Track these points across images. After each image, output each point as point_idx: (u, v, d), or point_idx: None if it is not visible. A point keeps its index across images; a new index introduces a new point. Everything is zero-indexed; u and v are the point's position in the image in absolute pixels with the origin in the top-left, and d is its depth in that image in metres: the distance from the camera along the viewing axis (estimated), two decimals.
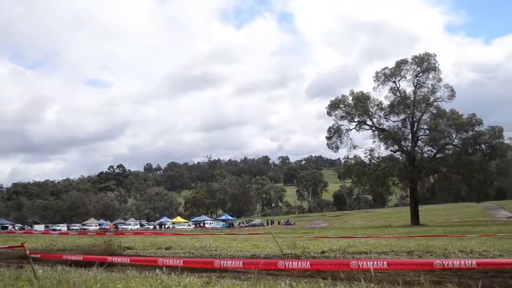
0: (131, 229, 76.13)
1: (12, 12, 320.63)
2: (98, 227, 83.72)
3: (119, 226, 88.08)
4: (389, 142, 57.21)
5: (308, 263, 6.67)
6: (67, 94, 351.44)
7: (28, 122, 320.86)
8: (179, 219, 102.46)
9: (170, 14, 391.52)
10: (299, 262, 6.71)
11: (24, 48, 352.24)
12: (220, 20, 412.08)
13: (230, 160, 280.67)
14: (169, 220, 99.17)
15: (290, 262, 6.73)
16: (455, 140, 54.93)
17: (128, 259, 9.32)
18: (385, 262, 5.97)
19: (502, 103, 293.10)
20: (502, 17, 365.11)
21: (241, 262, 7.08)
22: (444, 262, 5.69)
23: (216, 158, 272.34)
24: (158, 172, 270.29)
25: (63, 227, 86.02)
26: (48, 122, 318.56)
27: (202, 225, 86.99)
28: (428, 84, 56.52)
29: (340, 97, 58.69)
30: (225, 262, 7.10)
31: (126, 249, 17.45)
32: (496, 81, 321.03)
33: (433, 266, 5.92)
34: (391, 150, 58.68)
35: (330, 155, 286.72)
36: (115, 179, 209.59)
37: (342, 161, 71.22)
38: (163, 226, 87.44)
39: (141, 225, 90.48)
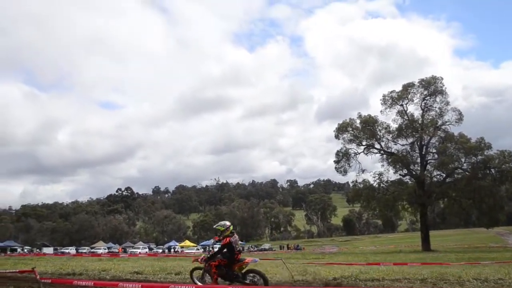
0: (139, 252, 75.85)
1: (25, 34, 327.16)
2: (106, 250, 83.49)
3: (127, 249, 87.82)
4: (397, 166, 56.70)
5: None
6: (80, 116, 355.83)
7: (40, 144, 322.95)
8: (187, 243, 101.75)
9: (183, 36, 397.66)
10: None
11: (38, 70, 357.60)
12: (233, 43, 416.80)
13: (238, 183, 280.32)
14: (177, 244, 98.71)
15: None
16: (464, 165, 54.38)
17: (140, 285, 9.27)
18: None
19: (511, 127, 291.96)
20: (510, 41, 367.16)
21: None
22: None
23: (225, 181, 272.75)
24: (166, 195, 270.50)
25: (71, 250, 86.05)
26: (60, 144, 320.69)
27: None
28: (435, 107, 56.33)
29: (347, 121, 58.54)
30: None
31: (135, 274, 17.33)
32: (505, 105, 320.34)
33: None
34: (400, 174, 58.16)
35: (339, 178, 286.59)
36: (123, 202, 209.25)
37: (351, 185, 70.36)
38: (171, 249, 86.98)
39: (150, 249, 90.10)
